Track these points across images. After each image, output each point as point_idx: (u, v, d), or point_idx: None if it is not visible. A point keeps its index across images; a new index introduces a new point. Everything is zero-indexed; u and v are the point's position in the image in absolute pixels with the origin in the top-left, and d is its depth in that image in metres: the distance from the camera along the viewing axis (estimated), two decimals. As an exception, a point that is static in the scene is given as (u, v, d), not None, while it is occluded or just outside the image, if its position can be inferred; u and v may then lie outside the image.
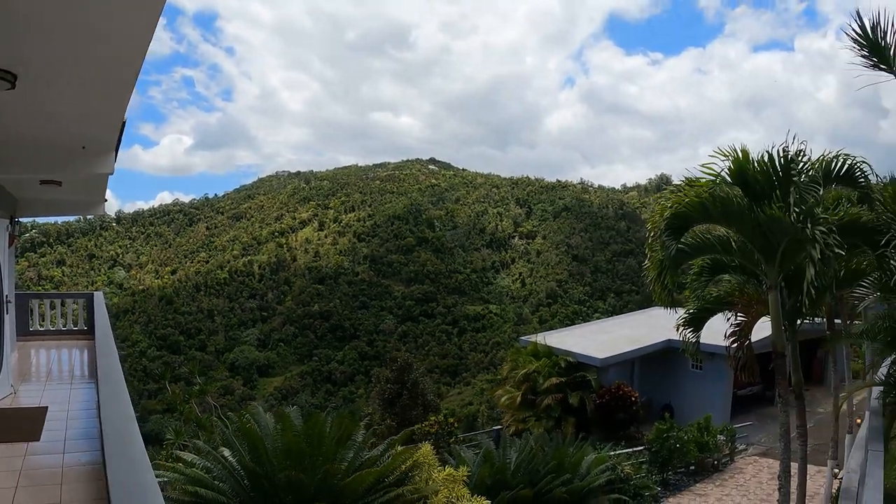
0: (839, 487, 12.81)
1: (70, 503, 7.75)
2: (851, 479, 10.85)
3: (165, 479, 13.19)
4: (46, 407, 12.07)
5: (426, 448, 14.39)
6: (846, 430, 17.64)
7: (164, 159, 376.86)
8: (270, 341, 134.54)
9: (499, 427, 31.18)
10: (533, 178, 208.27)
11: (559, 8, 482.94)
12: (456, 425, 26.70)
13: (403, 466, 12.97)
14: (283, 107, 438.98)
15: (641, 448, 23.31)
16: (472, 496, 13.48)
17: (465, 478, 14.11)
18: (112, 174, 10.63)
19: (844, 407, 16.75)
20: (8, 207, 15.77)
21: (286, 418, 12.80)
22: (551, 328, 59.28)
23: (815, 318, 12.06)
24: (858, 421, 18.28)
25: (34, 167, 10.34)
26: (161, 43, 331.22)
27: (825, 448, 17.79)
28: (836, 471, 15.31)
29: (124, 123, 8.46)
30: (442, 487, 13.48)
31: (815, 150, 9.55)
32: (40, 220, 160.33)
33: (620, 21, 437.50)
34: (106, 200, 18.68)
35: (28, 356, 17.93)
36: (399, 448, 13.70)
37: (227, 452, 12.63)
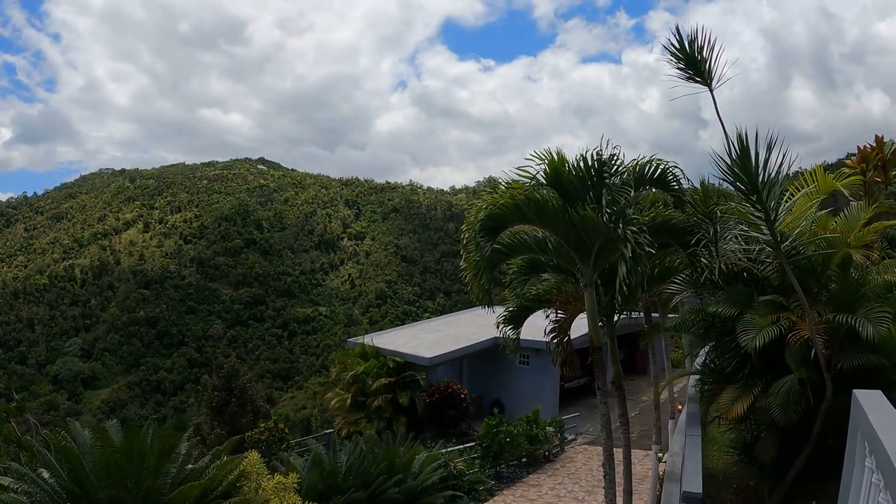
0: (664, 470, 13.35)
1: None
2: (675, 461, 11.36)
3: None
4: None
5: (253, 456, 13.99)
6: (669, 415, 18.43)
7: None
8: (95, 351, 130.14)
9: (331, 430, 31.00)
10: (363, 179, 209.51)
11: (396, 10, 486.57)
12: (287, 431, 26.38)
13: (230, 477, 12.35)
14: (109, 100, 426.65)
15: (473, 444, 23.60)
16: (304, 503, 13.32)
17: (295, 485, 13.66)
18: None
19: (665, 394, 17.48)
20: None
21: (104, 433, 11.92)
22: (382, 329, 59.44)
23: (633, 313, 12.49)
24: (679, 407, 19.09)
25: None
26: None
27: (651, 434, 18.51)
28: (661, 455, 15.92)
29: None
30: (272, 496, 12.97)
31: (638, 157, 9.95)
32: None
33: (455, 26, 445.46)
34: None
35: None
36: (225, 458, 13.37)
37: (46, 474, 12.08)
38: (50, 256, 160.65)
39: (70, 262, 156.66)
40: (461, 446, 23.22)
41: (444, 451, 20.98)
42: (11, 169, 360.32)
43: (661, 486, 13.21)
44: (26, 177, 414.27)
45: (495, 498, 20.08)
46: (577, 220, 9.07)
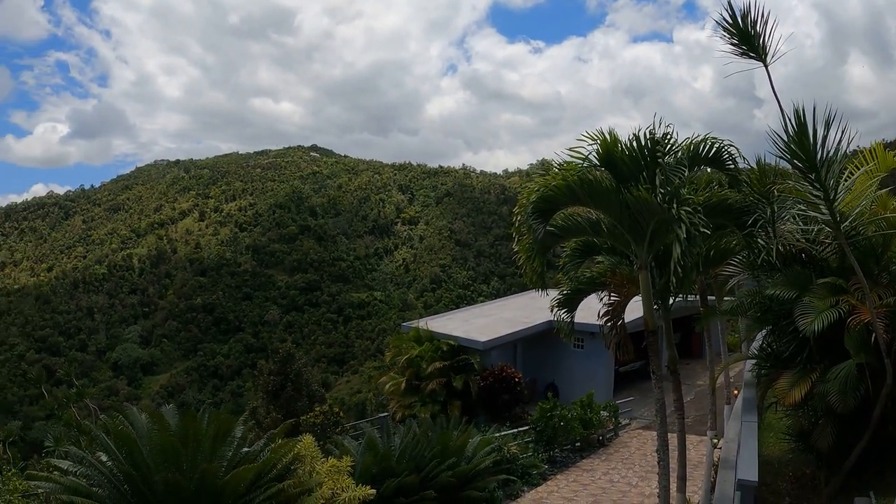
0: (720, 456, 13.14)
1: None
2: (730, 448, 11.15)
3: (45, 490, 12.76)
4: None
5: (307, 440, 14.02)
6: (724, 401, 18.14)
7: (37, 149, 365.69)
8: (153, 337, 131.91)
9: (385, 414, 31.07)
10: (415, 164, 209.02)
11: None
12: (342, 415, 26.44)
13: (284, 460, 12.30)
14: (161, 93, 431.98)
15: (527, 428, 23.47)
16: (357, 486, 13.31)
17: (349, 468, 13.67)
18: None
19: (721, 379, 17.19)
20: None
21: (160, 417, 12.06)
22: (436, 313, 59.44)
23: (688, 296, 12.27)
24: (735, 392, 18.78)
25: None
26: (36, 25, 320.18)
27: (705, 419, 18.24)
28: (716, 441, 15.69)
29: None
30: (326, 479, 12.86)
31: (692, 136, 9.73)
32: None
33: (504, 9, 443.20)
34: None
35: None
36: (280, 441, 13.43)
37: (104, 457, 12.22)
38: (108, 247, 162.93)
39: (128, 251, 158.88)
40: (515, 430, 23.11)
41: (497, 434, 20.86)
42: (69, 164, 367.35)
43: (716, 473, 13.02)
44: (83, 171, 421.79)
45: (548, 482, 19.95)
46: (630, 201, 8.89)
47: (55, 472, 12.34)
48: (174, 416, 12.72)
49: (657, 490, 10.89)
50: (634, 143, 9.01)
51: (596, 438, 23.81)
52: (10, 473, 15.52)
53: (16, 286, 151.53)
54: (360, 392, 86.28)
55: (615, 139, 9.11)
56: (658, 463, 10.23)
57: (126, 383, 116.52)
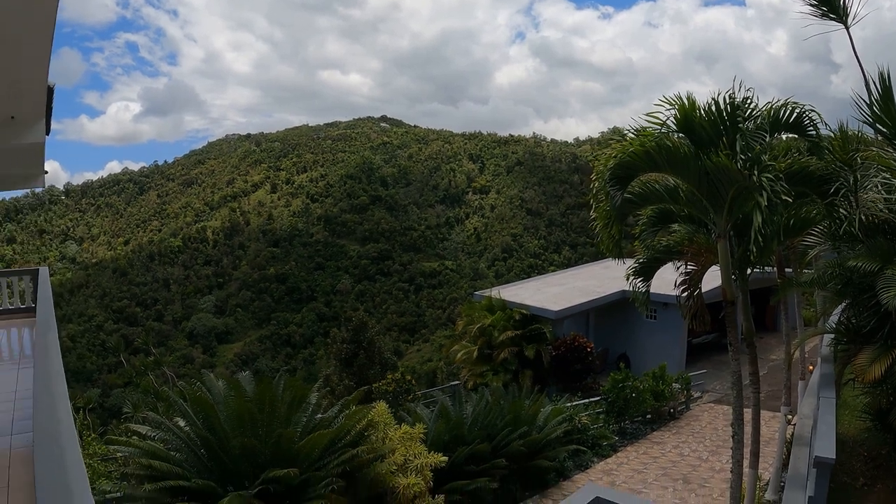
0: (793, 432, 12.89)
1: (18, 488, 7.48)
2: (804, 424, 10.95)
3: (124, 454, 13.03)
4: None
5: (381, 407, 14.33)
6: (798, 376, 17.78)
7: (110, 128, 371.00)
8: (228, 307, 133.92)
9: (456, 382, 31.16)
10: (485, 133, 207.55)
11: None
12: (413, 383, 26.63)
13: (358, 426, 12.82)
14: (230, 69, 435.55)
15: (598, 398, 23.37)
16: (429, 452, 13.37)
17: (421, 435, 14.02)
18: (44, 142, 10.31)
19: (797, 354, 16.86)
20: None
21: (237, 384, 12.60)
22: (507, 282, 59.21)
23: (766, 267, 12.03)
24: (811, 368, 18.46)
25: None
26: (104, 8, 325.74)
27: (779, 394, 17.91)
28: (790, 417, 15.41)
29: (51, 90, 8.18)
30: (398, 445, 13.41)
31: (772, 100, 9.46)
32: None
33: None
34: (46, 172, 18.07)
35: None
36: (353, 408, 13.53)
37: (182, 422, 12.46)
38: (182, 220, 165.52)
39: (202, 224, 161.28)
40: (586, 400, 23.05)
41: (569, 404, 20.86)
42: (142, 141, 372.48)
43: (789, 450, 12.80)
44: (157, 147, 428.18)
45: (618, 454, 19.93)
46: (709, 167, 8.70)
47: (134, 437, 12.68)
48: (250, 383, 13.24)
49: (728, 465, 10.74)
50: (713, 108, 8.81)
51: (667, 411, 23.66)
52: (90, 438, 15.91)
53: (94, 260, 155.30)
54: (430, 361, 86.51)
55: (693, 104, 8.91)
56: (732, 437, 10.07)
57: (201, 352, 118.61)
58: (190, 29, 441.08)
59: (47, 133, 10.02)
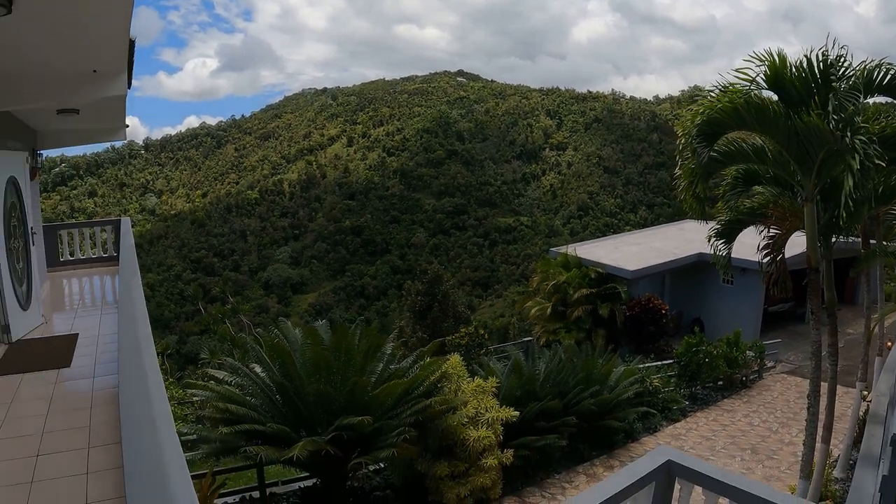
0: (867, 410, 12.66)
1: (99, 426, 7.89)
2: (880, 402, 10.71)
3: (200, 398, 13.43)
4: (76, 334, 12.32)
5: (455, 359, 14.49)
6: (876, 352, 17.38)
7: (188, 84, 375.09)
8: (303, 258, 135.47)
9: (529, 339, 31.26)
10: (563, 89, 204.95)
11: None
12: (486, 337, 26.81)
13: (432, 378, 13.03)
14: (305, 24, 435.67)
15: (670, 361, 23.23)
16: (501, 407, 13.48)
17: (493, 389, 14.14)
18: (125, 95, 10.63)
19: (876, 329, 16.47)
20: (27, 140, 15.80)
21: (314, 332, 12.79)
22: (582, 240, 58.84)
23: (850, 237, 11.76)
24: (889, 344, 18.04)
25: (47, 96, 10.28)
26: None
27: (853, 369, 17.51)
28: (865, 393, 15.12)
29: (133, 43, 8.35)
30: (470, 398, 13.56)
31: (865, 60, 9.21)
32: (68, 153, 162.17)
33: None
34: (127, 126, 18.37)
35: (59, 286, 18.26)
36: (428, 359, 13.74)
37: (258, 369, 12.79)
38: (259, 173, 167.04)
39: (279, 177, 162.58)
40: (658, 363, 22.97)
41: (641, 366, 20.77)
42: (219, 96, 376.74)
43: (862, 427, 12.59)
44: (234, 101, 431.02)
45: (688, 419, 19.85)
46: (799, 127, 8.53)
47: (211, 382, 13.08)
48: (327, 332, 13.49)
49: (797, 438, 10.59)
50: (805, 66, 8.62)
51: (739, 379, 23.43)
52: (167, 383, 16.39)
53: (172, 212, 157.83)
54: (502, 316, 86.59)
55: (784, 60, 8.73)
56: (807, 409, 9.96)
57: (276, 301, 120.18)
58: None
59: (128, 87, 10.16)
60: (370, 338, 13.17)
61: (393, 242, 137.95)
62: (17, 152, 13.50)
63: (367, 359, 12.84)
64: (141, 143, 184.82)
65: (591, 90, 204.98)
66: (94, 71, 9.32)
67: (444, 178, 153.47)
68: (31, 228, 14.03)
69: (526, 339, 31.57)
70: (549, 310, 29.57)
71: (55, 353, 11.18)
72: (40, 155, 18.26)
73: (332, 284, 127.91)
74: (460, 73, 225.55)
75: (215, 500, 11.64)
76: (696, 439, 18.14)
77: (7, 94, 9.80)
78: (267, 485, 14.19)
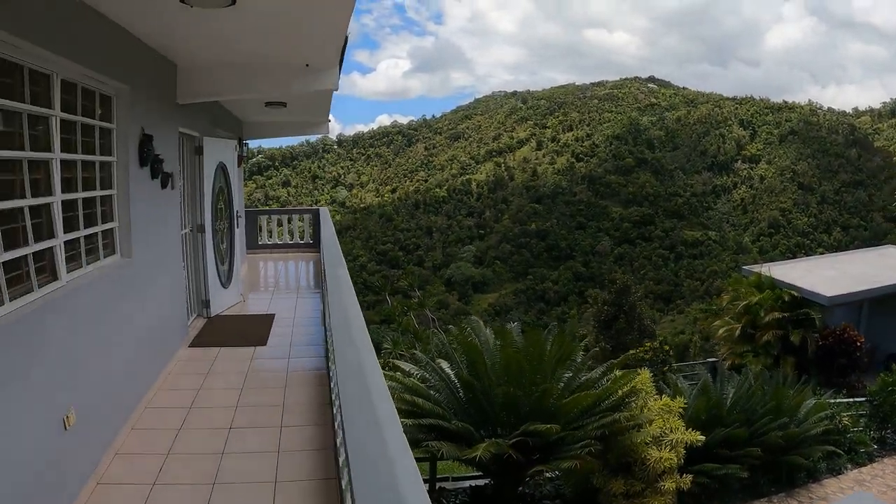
0: None
1: (292, 405, 8.48)
2: None
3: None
4: (273, 315, 13.15)
5: (645, 375, 14.31)
6: None
7: (381, 84, 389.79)
8: (486, 258, 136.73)
9: (714, 359, 30.83)
10: (758, 98, 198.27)
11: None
12: (671, 353, 26.65)
13: (621, 392, 13.01)
14: (495, 27, 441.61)
15: (862, 400, 22.38)
16: (687, 429, 13.47)
17: (680, 409, 14.02)
18: (336, 90, 11.11)
19: None
20: (234, 129, 17.12)
21: (507, 334, 13.16)
22: (771, 259, 57.23)
23: None
24: None
25: (261, 87, 10.98)
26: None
27: None
28: None
29: (346, 39, 8.86)
30: (656, 417, 13.48)
31: None
32: (266, 144, 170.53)
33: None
34: (329, 120, 19.55)
35: (256, 268, 19.56)
36: (618, 373, 13.72)
37: (444, 364, 13.28)
38: (448, 172, 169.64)
39: (467, 177, 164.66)
40: (849, 400, 22.21)
41: (832, 401, 20.18)
42: (411, 97, 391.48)
43: None
44: (425, 102, 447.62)
45: (874, 464, 18.66)
46: None
47: (398, 373, 13.62)
48: (518, 334, 13.84)
49: None
50: None
51: (940, 427, 22.32)
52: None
53: (362, 205, 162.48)
54: (682, 333, 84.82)
55: None
56: None
57: (456, 298, 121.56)
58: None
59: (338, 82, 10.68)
60: (562, 345, 13.23)
61: (577, 249, 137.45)
62: (227, 140, 14.52)
63: (558, 366, 12.96)
64: (334, 138, 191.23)
65: (786, 100, 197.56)
66: (307, 65, 9.90)
67: (633, 187, 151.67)
68: (237, 212, 15.13)
69: (710, 359, 31.10)
70: (737, 331, 29.00)
71: (252, 331, 11.92)
72: (246, 144, 19.76)
73: (514, 286, 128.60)
74: (651, 78, 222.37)
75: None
76: (881, 488, 17.11)
77: (223, 83, 10.59)
78: (437, 479, 14.73)
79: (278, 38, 8.65)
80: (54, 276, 5.99)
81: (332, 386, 7.39)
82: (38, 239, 5.61)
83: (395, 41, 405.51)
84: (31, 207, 5.45)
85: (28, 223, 5.41)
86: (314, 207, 22.33)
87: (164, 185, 9.44)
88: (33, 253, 5.50)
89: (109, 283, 7.28)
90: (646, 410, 13.59)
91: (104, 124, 7.53)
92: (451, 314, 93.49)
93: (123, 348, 7.62)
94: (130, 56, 8.01)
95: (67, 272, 6.26)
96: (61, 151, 6.10)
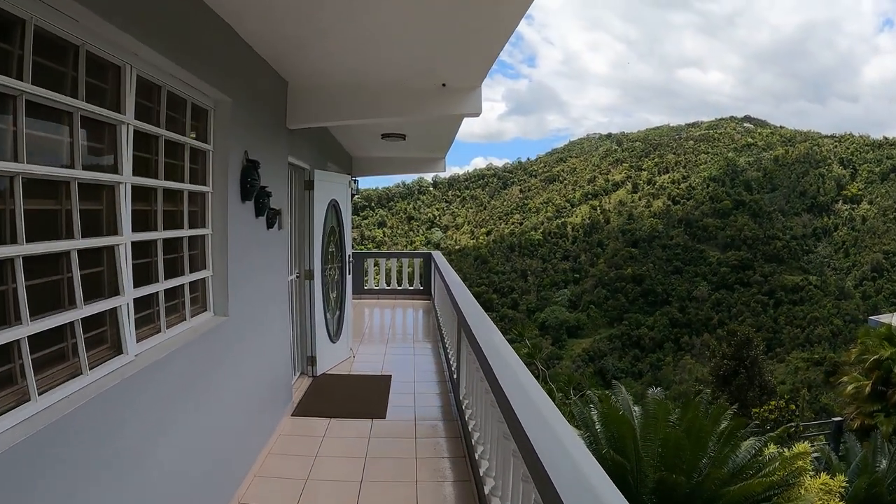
0: None
1: (425, 459, 7.65)
2: None
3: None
4: (390, 375, 11.88)
5: (804, 448, 12.51)
6: None
7: (477, 126, 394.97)
8: (581, 303, 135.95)
9: (839, 419, 29.82)
10: (857, 135, 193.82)
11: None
12: (796, 412, 25.69)
13: (782, 472, 11.39)
14: (588, 69, 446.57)
15: None
16: (849, 513, 12.26)
17: (840, 489, 12.48)
18: (479, 114, 9.12)
19: None
20: (346, 164, 16.47)
21: (663, 406, 11.37)
22: (874, 305, 55.34)
23: None
24: None
25: (389, 111, 9.22)
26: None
27: None
28: None
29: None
30: (816, 499, 11.77)
31: None
32: (363, 186, 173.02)
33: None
34: (443, 157, 18.34)
35: (362, 315, 18.40)
36: (786, 452, 12.03)
37: (578, 433, 11.42)
38: (543, 215, 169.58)
39: (562, 220, 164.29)
40: None
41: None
42: (507, 139, 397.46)
43: None
44: (520, 144, 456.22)
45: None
46: None
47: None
48: (661, 402, 11.83)
49: None
50: None
51: None
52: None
53: (457, 247, 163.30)
54: (783, 383, 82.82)
55: None
56: None
57: (549, 343, 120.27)
58: (547, 32, 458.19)
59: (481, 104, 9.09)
60: (718, 417, 11.74)
61: (674, 294, 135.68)
62: (340, 175, 13.06)
63: (723, 445, 11.23)
64: (430, 180, 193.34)
65: (886, 136, 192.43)
66: (444, 84, 8.60)
67: (731, 230, 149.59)
68: (349, 256, 13.71)
69: (834, 418, 29.99)
70: (867, 388, 28.00)
71: (366, 397, 10.47)
72: (356, 181, 18.12)
73: (608, 332, 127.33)
74: (747, 118, 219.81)
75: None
76: None
77: (341, 106, 9.10)
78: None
79: (415, 57, 7.64)
80: (118, 350, 4.30)
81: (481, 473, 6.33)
82: (93, 296, 4.03)
83: (490, 84, 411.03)
84: (80, 251, 3.82)
85: (75, 273, 3.76)
86: (426, 251, 21.81)
87: (270, 225, 8.02)
88: (81, 319, 3.81)
89: (195, 351, 5.36)
90: (803, 491, 11.79)
91: (198, 143, 5.89)
92: (543, 359, 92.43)
93: (204, 439, 5.61)
94: (236, 63, 6.52)
95: (137, 341, 4.55)
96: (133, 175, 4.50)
